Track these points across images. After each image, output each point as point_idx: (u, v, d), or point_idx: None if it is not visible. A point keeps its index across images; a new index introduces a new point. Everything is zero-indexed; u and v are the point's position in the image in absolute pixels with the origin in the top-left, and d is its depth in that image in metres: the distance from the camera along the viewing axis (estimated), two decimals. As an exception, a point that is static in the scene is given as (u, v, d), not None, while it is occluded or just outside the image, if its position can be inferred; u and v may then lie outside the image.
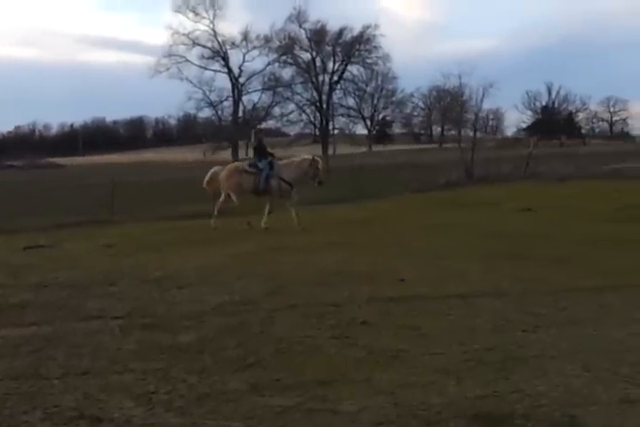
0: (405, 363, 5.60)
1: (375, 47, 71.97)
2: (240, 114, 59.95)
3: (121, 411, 4.71)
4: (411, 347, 6.03)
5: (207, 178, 17.02)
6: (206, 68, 58.52)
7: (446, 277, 9.25)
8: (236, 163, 17.00)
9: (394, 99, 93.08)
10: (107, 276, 9.80)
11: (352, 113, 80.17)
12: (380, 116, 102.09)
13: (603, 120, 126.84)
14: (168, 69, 56.99)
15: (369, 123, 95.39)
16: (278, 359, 5.78)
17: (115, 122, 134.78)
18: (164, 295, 8.51)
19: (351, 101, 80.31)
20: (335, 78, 72.85)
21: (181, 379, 5.34)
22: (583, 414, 4.46)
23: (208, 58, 58.84)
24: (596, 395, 4.75)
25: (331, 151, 61.18)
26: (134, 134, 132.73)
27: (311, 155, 16.68)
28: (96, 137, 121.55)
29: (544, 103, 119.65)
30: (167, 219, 20.63)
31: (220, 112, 59.21)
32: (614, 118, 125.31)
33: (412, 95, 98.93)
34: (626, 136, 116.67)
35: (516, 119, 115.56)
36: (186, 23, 58.40)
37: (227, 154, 56.86)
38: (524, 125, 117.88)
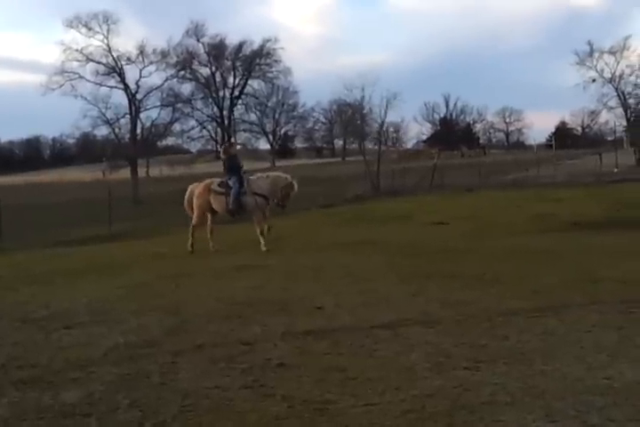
0: (334, 420, 4.66)
1: (275, 61, 71.38)
2: (138, 131, 58.02)
3: None
4: (338, 396, 5.10)
5: (186, 199, 15.54)
6: (101, 85, 56.39)
7: (368, 303, 8.39)
8: (209, 180, 15.36)
9: (295, 113, 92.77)
10: (-19, 316, 8.51)
11: (254, 128, 79.30)
12: (282, 131, 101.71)
13: (499, 130, 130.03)
14: (61, 86, 54.58)
15: (271, 138, 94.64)
16: (182, 422, 4.76)
17: (10, 142, 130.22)
18: (48, 339, 7.33)
19: (253, 116, 79.49)
20: (236, 93, 71.91)
21: (60, 457, 4.27)
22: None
23: (103, 74, 56.69)
24: (572, 457, 3.92)
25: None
26: (31, 155, 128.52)
27: (290, 176, 15.31)
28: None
29: (442, 115, 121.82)
30: (62, 244, 19.40)
31: (117, 130, 57.11)
32: (510, 128, 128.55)
33: (313, 109, 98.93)
34: (521, 145, 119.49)
35: (415, 131, 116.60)
36: (79, 39, 56.18)
37: (126, 173, 54.90)
38: (424, 137, 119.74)
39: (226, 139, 65.77)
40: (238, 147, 66.53)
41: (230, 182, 14.76)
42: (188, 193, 15.52)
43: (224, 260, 12.99)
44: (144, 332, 7.36)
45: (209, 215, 15.10)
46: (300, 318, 7.67)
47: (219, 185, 14.98)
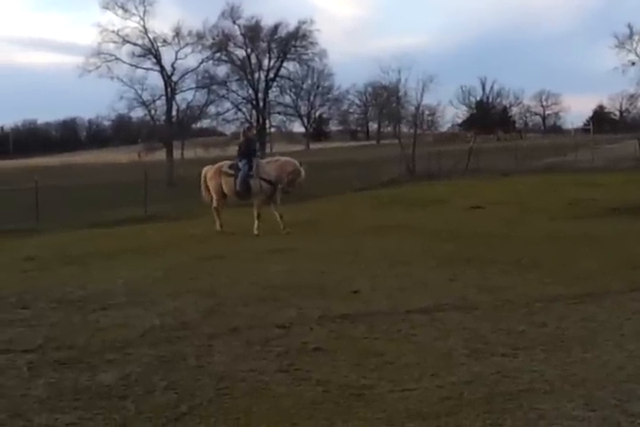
0: (371, 405, 4.61)
1: (311, 43, 70.59)
2: (174, 113, 58.01)
3: None
4: (375, 381, 5.06)
5: (202, 183, 15.65)
6: (137, 67, 56.33)
7: (405, 287, 8.32)
8: (221, 163, 15.54)
9: (330, 96, 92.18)
10: (19, 297, 8.52)
11: (289, 111, 78.73)
12: (317, 114, 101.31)
13: (536, 114, 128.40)
14: (98, 68, 54.54)
15: (306, 120, 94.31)
16: (218, 405, 4.74)
17: (47, 124, 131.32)
18: (85, 320, 7.36)
19: (288, 99, 78.96)
20: (271, 75, 71.26)
21: (97, 438, 4.28)
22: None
23: (139, 56, 56.57)
24: (614, 448, 3.84)
25: (268, 150, 59.80)
26: (67, 136, 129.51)
27: (298, 162, 15.30)
28: (28, 139, 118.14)
29: (478, 98, 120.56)
30: (98, 225, 19.45)
31: (153, 111, 57.16)
32: (547, 112, 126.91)
33: (347, 92, 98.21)
34: (558, 130, 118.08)
35: (451, 115, 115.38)
36: (115, 20, 56.07)
37: (162, 154, 55.06)
38: (460, 120, 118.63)
39: (260, 121, 65.49)
40: (273, 129, 66.68)
41: (240, 165, 14.84)
42: (202, 175, 15.64)
43: (259, 243, 12.98)
44: (180, 314, 7.36)
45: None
46: (336, 302, 7.63)
47: (229, 167, 15.13)
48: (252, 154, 15.07)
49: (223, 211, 15.31)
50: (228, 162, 15.39)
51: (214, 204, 15.27)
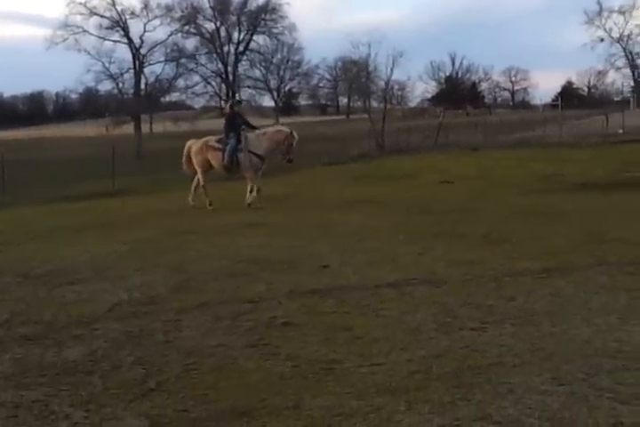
0: (340, 380, 4.60)
1: (281, 17, 70.27)
2: (142, 86, 57.47)
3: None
4: (344, 356, 5.05)
5: (184, 156, 15.43)
6: (105, 39, 55.71)
7: (375, 261, 8.32)
8: (206, 137, 15.34)
9: (300, 70, 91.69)
10: (-16, 272, 8.44)
11: (258, 84, 78.29)
12: (287, 88, 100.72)
13: (505, 90, 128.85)
14: (65, 41, 53.92)
15: (275, 94, 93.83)
16: (186, 381, 4.70)
17: (13, 97, 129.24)
18: (51, 295, 7.29)
19: (257, 73, 78.49)
20: (241, 49, 71.05)
21: (64, 415, 4.23)
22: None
23: (107, 28, 55.96)
24: (581, 422, 3.85)
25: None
26: (34, 110, 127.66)
27: (288, 128, 15.30)
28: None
29: (448, 74, 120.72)
30: (65, 200, 19.27)
31: (121, 85, 56.60)
32: (516, 88, 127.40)
33: (317, 67, 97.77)
34: (527, 105, 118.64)
35: (420, 90, 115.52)
36: (83, -8, 55.30)
37: (130, 128, 54.57)
38: (430, 96, 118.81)
39: (230, 95, 65.10)
40: (243, 103, 66.24)
41: (227, 139, 14.70)
42: (185, 149, 15.44)
43: (229, 217, 12.89)
44: (148, 289, 7.31)
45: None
46: (306, 277, 7.62)
47: (217, 141, 14.97)
48: (239, 127, 14.89)
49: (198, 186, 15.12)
50: (213, 137, 15.20)
51: (199, 181, 15.07)
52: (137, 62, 56.12)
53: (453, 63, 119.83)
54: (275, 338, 5.53)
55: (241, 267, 8.23)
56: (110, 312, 6.47)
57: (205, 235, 10.94)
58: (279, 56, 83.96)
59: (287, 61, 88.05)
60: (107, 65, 55.02)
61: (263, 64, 78.76)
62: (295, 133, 14.81)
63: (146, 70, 57.92)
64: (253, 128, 15.44)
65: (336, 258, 8.53)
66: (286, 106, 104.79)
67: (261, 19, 70.06)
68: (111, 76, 55.49)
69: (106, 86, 58.63)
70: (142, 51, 56.67)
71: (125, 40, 56.41)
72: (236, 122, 15.01)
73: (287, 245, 9.57)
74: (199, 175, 15.03)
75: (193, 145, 15.25)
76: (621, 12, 66.24)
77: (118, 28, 56.43)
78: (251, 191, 14.46)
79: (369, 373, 4.71)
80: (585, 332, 5.36)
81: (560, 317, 5.79)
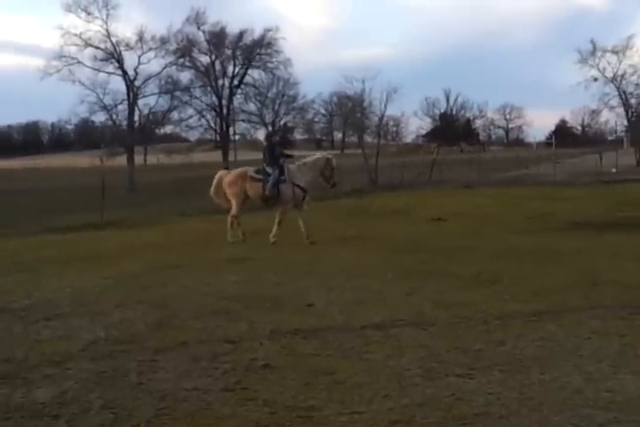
0: (319, 428, 4.37)
1: (276, 51, 70.39)
2: (136, 118, 57.51)
3: None
4: (324, 402, 4.82)
5: (213, 186, 15.12)
6: (100, 70, 55.67)
7: (361, 300, 8.11)
8: (243, 168, 15.15)
9: (295, 104, 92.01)
10: (-40, 306, 8.19)
11: (253, 118, 78.36)
12: (282, 122, 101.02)
13: (499, 127, 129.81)
14: (59, 71, 53.76)
15: (270, 128, 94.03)
16: (156, 427, 4.47)
17: (9, 127, 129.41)
18: (26, 331, 7.06)
19: (252, 106, 78.55)
20: (235, 82, 70.94)
21: (22, 463, 3.99)
22: None
23: (101, 60, 55.92)
24: (571, 480, 3.63)
25: (232, 157, 59.39)
26: (30, 139, 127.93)
27: (325, 154, 15.27)
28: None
29: (442, 110, 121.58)
30: (53, 231, 19.06)
31: (115, 116, 56.57)
32: (510, 125, 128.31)
33: (313, 101, 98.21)
34: (521, 143, 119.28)
35: (415, 126, 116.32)
36: (78, 23, 55.41)
37: (124, 160, 54.42)
38: (424, 132, 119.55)
39: (224, 128, 65.27)
40: (237, 137, 66.30)
41: (269, 169, 14.51)
42: (216, 180, 15.11)
43: (216, 252, 12.69)
44: (127, 326, 7.08)
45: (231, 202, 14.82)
46: (290, 316, 7.40)
47: (256, 172, 14.69)
48: (279, 158, 14.74)
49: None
50: (250, 167, 14.99)
51: (234, 211, 14.76)
52: (131, 94, 56.13)
53: (448, 100, 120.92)
54: (253, 382, 5.30)
55: (224, 304, 8.01)
56: (85, 351, 6.23)
57: (191, 269, 10.73)
58: (274, 90, 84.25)
59: (282, 96, 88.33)
60: (100, 96, 54.98)
61: (258, 98, 78.91)
62: (334, 159, 14.84)
63: (140, 102, 57.93)
64: (290, 157, 15.39)
65: (322, 296, 8.32)
66: (281, 140, 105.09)
67: (256, 53, 70.24)
68: (105, 108, 55.43)
69: (99, 117, 58.67)
70: (137, 83, 56.70)
71: (120, 72, 56.46)
72: (275, 153, 14.87)
73: (273, 282, 9.37)
74: (234, 206, 14.73)
75: (225, 176, 14.98)
76: (615, 51, 66.45)
77: (113, 60, 56.49)
78: (279, 223, 14.26)
79: (348, 422, 4.49)
80: (576, 380, 5.14)
81: (550, 363, 5.57)
